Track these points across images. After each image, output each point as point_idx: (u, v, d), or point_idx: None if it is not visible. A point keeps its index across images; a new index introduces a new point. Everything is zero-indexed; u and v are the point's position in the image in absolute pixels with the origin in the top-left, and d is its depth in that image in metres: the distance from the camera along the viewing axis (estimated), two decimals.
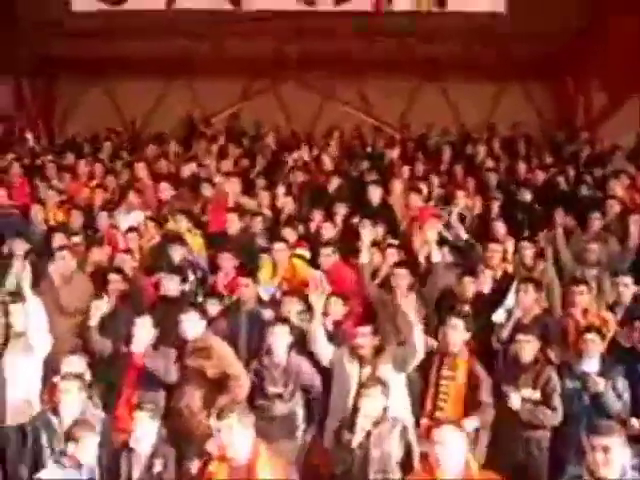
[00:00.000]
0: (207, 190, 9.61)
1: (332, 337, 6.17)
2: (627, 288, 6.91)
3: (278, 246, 7.66)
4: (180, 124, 14.36)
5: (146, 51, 14.40)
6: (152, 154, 11.65)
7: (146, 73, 15.11)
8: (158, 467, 4.92)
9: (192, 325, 5.92)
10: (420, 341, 5.60)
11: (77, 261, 7.57)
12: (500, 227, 8.54)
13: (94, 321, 6.39)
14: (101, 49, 14.27)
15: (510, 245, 7.98)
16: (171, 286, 6.97)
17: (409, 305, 5.89)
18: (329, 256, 7.56)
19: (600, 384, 5.52)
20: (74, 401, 5.29)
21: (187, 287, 7.35)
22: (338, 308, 6.67)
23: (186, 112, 14.74)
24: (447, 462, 4.19)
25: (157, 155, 11.60)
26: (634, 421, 5.50)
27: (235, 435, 4.38)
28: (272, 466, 4.39)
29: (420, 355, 5.63)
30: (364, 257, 7.00)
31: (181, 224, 8.48)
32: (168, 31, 13.73)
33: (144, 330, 5.98)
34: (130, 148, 12.80)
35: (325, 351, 5.79)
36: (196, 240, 8.44)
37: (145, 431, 5.00)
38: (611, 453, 3.95)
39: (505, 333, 6.44)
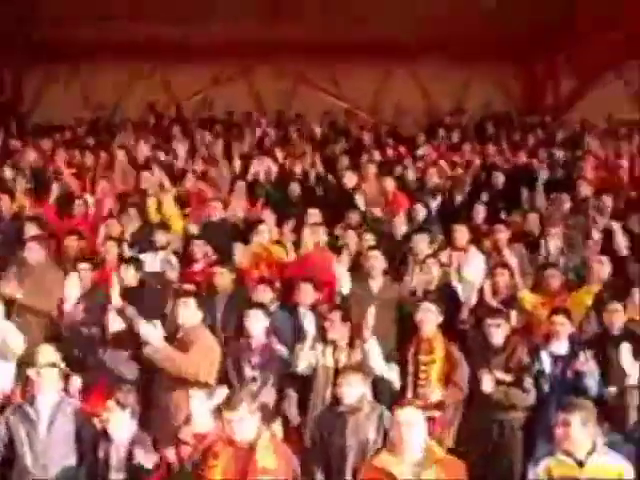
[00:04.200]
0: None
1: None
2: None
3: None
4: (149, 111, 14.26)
5: (114, 37, 14.17)
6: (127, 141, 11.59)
7: (114, 59, 14.91)
8: (139, 457, 4.92)
9: (189, 312, 5.88)
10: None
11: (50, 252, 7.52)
12: (480, 210, 8.66)
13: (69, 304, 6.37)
14: (68, 35, 14.07)
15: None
16: (128, 276, 6.92)
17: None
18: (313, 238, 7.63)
19: (586, 364, 5.58)
20: (50, 391, 5.26)
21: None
22: (309, 294, 6.74)
23: (153, 99, 14.65)
24: (411, 442, 4.22)
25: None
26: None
27: (244, 423, 4.39)
28: (273, 448, 4.42)
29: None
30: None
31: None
32: (135, 16, 13.59)
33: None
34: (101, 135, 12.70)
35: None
36: (177, 224, 8.48)
37: (120, 420, 5.00)
38: (572, 427, 4.10)
39: (465, 313, 6.54)
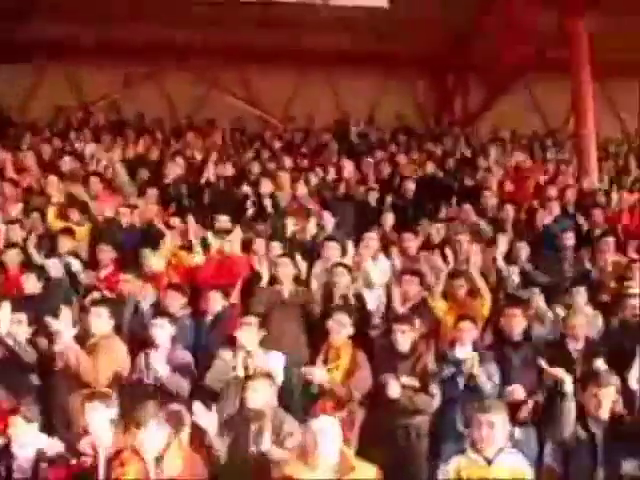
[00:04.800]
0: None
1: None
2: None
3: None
4: (57, 113, 13.86)
5: (21, 35, 13.77)
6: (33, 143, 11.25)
7: (21, 58, 14.42)
8: (44, 472, 4.75)
9: (101, 321, 5.81)
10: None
11: None
12: (389, 218, 8.81)
13: None
14: None
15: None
16: (29, 284, 6.77)
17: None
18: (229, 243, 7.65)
19: (475, 367, 5.71)
20: None
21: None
22: (218, 302, 6.77)
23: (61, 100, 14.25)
24: (326, 450, 4.24)
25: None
26: (509, 389, 5.72)
27: (152, 435, 4.34)
28: (181, 457, 4.40)
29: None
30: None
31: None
32: (46, 15, 13.23)
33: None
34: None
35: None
36: (80, 232, 8.27)
37: (26, 435, 4.83)
38: (495, 428, 4.24)
39: (376, 320, 6.61)
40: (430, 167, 11.14)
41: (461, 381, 5.81)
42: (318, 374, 5.63)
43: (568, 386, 4.75)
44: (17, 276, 7.15)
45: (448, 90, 16.50)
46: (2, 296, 6.38)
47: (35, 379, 5.92)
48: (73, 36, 13.82)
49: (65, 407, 5.59)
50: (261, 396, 4.96)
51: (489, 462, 4.25)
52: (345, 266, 7.08)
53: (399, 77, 15.98)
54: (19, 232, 7.98)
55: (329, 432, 4.28)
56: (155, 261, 7.55)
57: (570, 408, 4.60)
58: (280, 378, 5.67)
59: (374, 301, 7.02)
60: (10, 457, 4.82)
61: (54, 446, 4.88)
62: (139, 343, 6.20)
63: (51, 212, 8.67)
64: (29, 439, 4.84)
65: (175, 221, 8.50)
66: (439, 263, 7.35)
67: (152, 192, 9.30)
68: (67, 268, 7.45)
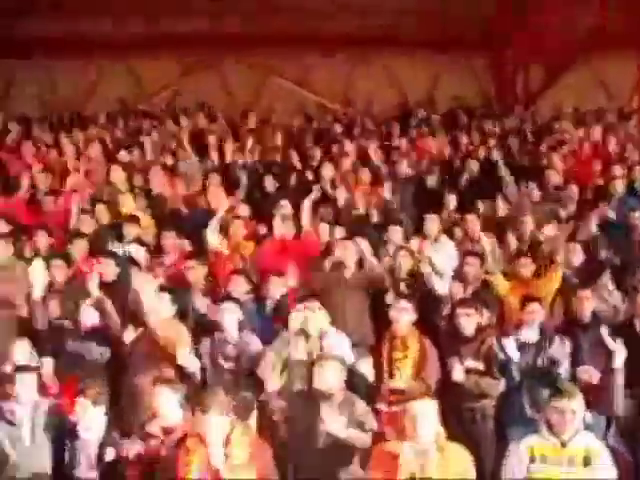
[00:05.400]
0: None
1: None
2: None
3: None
4: (120, 105, 14.13)
5: (80, 30, 14.05)
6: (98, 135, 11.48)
7: (82, 53, 14.73)
8: (109, 456, 4.85)
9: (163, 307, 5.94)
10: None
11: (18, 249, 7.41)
12: (452, 199, 8.70)
13: (37, 292, 6.32)
14: (31, 29, 13.90)
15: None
16: (108, 271, 6.87)
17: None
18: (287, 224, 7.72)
19: (560, 351, 5.62)
20: (28, 395, 5.13)
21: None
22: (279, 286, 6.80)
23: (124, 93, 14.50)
24: (425, 433, 4.25)
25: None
26: (582, 369, 5.64)
27: (217, 423, 4.37)
28: (248, 444, 4.42)
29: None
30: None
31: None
32: (99, 10, 13.44)
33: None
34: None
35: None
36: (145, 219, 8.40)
37: (92, 417, 4.92)
38: (574, 414, 4.19)
39: (446, 309, 6.55)
40: (492, 147, 10.96)
41: (527, 364, 5.73)
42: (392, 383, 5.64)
43: (619, 360, 4.65)
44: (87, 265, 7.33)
45: (508, 69, 16.18)
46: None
47: (106, 355, 6.07)
48: (130, 29, 14.08)
49: (134, 390, 5.72)
50: (330, 377, 4.98)
51: (563, 444, 4.20)
52: (408, 249, 7.04)
53: (458, 57, 15.73)
54: (89, 222, 8.15)
55: (428, 414, 4.29)
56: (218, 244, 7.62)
57: (620, 383, 4.50)
58: (349, 360, 5.67)
59: (441, 285, 6.94)
60: (76, 438, 4.93)
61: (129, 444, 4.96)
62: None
63: (122, 200, 8.79)
64: (95, 423, 4.93)
65: (244, 210, 8.55)
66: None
67: (215, 177, 9.41)
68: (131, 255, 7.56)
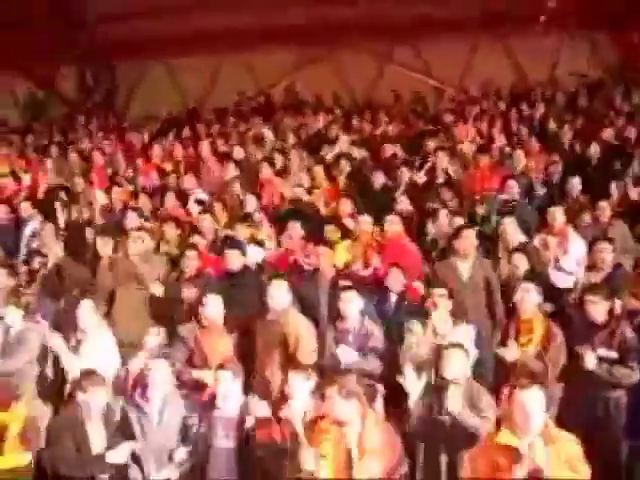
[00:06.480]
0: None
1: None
2: None
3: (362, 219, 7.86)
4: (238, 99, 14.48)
5: (195, 27, 14.47)
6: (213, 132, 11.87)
7: (198, 50, 15.20)
8: (250, 422, 5.07)
9: (281, 296, 6.05)
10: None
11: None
12: (576, 183, 8.47)
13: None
14: (151, 30, 14.43)
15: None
16: (235, 261, 7.09)
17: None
18: (393, 225, 7.69)
19: None
20: (161, 383, 5.36)
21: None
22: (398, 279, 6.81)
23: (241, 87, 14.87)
24: (536, 421, 4.17)
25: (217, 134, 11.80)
26: None
27: (347, 406, 4.45)
28: (379, 429, 4.49)
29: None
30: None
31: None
32: (212, 5, 13.77)
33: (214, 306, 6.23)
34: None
35: None
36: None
37: (230, 390, 5.17)
38: None
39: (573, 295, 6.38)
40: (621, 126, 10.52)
41: None
42: (509, 354, 5.58)
43: None
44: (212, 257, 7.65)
45: (632, 44, 15.44)
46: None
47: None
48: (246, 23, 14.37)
49: (264, 374, 5.90)
50: (456, 366, 5.01)
51: None
52: (525, 251, 6.91)
53: (578, 34, 15.15)
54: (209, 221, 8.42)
55: (538, 403, 4.22)
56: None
57: None
58: (473, 350, 5.67)
59: (562, 280, 6.79)
60: (214, 409, 5.17)
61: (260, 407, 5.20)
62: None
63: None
64: (234, 394, 5.17)
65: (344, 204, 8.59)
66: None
67: (318, 169, 9.63)
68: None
